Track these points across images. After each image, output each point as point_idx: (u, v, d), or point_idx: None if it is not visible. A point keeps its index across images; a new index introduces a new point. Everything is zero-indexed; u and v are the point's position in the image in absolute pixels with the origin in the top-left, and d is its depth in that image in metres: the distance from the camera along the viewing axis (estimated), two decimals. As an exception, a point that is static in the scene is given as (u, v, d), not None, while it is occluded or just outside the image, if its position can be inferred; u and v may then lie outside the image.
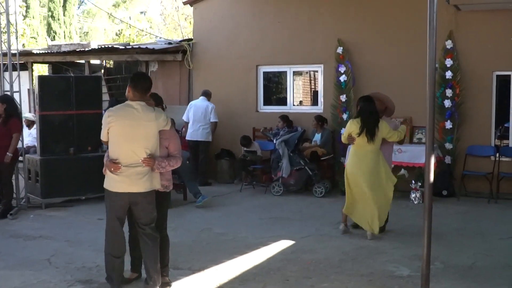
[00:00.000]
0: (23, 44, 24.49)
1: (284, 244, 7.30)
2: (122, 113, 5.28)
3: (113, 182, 5.31)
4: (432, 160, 5.11)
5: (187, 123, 12.12)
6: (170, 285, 5.69)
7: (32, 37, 31.70)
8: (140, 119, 5.23)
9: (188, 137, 11.99)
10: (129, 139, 5.24)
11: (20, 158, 9.69)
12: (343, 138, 7.73)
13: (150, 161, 5.26)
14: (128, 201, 5.31)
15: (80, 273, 6.14)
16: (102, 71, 15.98)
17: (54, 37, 34.24)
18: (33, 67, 16.30)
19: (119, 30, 28.93)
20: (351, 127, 7.52)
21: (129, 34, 27.59)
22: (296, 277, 6.01)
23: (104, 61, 16.36)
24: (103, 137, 5.38)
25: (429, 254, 5.12)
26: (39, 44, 28.16)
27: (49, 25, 35.51)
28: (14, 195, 9.45)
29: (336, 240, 7.50)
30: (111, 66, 16.26)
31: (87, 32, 41.29)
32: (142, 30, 28.42)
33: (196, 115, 11.96)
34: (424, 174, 9.91)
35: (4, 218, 8.80)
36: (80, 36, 38.48)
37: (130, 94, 5.31)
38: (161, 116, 5.33)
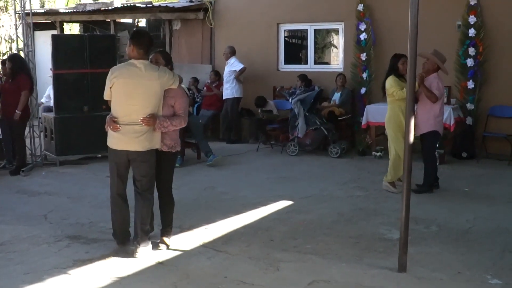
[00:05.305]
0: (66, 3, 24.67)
1: (282, 204, 7.25)
2: (125, 71, 5.30)
3: (112, 139, 5.40)
4: (412, 121, 4.95)
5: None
6: (166, 246, 5.63)
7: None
8: (143, 77, 5.23)
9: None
10: (130, 98, 5.25)
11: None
12: None
13: (149, 121, 5.24)
14: (127, 158, 5.37)
15: (72, 229, 6.25)
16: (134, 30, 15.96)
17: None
18: (64, 27, 16.41)
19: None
20: None
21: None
22: (282, 237, 5.95)
23: (136, 20, 16.37)
24: (106, 96, 5.45)
25: (407, 217, 5.00)
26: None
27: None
28: (29, 152, 9.64)
29: (335, 201, 7.40)
30: (144, 25, 16.26)
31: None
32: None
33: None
34: (445, 135, 9.74)
35: (17, 174, 9.00)
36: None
37: (133, 52, 5.30)
38: (165, 75, 5.30)
